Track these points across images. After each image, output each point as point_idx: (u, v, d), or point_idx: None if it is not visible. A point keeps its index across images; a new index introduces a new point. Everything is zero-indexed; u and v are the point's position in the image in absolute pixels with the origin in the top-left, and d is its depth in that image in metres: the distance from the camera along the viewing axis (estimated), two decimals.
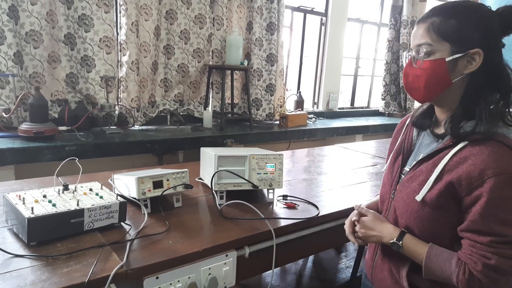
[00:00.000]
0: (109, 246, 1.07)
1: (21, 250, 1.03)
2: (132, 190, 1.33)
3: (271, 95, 3.50)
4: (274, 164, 1.50)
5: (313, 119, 3.89)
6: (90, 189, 1.28)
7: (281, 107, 3.62)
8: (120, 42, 2.69)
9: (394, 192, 1.09)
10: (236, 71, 3.34)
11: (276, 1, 3.34)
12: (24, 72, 2.39)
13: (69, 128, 2.49)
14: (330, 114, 4.28)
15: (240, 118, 3.46)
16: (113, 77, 2.68)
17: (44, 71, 2.46)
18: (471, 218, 0.88)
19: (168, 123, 3.07)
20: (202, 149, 1.70)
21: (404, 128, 1.17)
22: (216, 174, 1.44)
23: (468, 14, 0.92)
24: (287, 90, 3.79)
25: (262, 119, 3.53)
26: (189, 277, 1.09)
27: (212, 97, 3.29)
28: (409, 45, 1.14)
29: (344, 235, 1.17)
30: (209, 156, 1.55)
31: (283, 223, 1.34)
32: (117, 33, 2.69)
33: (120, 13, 2.66)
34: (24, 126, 2.22)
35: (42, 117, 2.26)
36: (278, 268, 2.57)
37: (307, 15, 3.97)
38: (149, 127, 2.93)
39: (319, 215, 1.42)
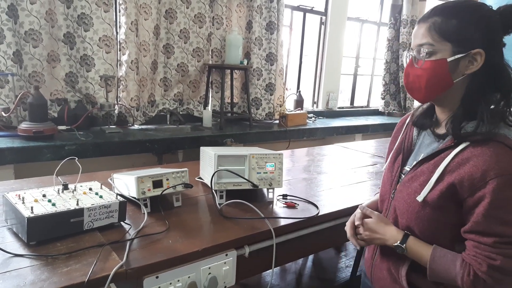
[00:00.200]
0: (109, 246, 1.07)
1: (20, 250, 1.03)
2: (132, 190, 1.32)
3: (271, 95, 3.50)
4: (274, 164, 1.50)
5: (313, 118, 3.89)
6: (90, 189, 1.28)
7: (280, 107, 3.62)
8: (119, 41, 2.69)
9: (394, 192, 1.09)
10: (235, 71, 3.34)
11: (275, 0, 3.33)
12: (23, 71, 2.38)
13: (69, 127, 2.49)
14: (330, 114, 4.28)
15: (239, 118, 3.46)
16: (113, 77, 2.67)
17: (44, 70, 2.46)
18: (475, 220, 0.88)
19: (168, 122, 3.07)
20: (201, 148, 1.70)
21: (404, 127, 1.16)
22: (216, 173, 1.44)
23: (470, 14, 0.91)
24: (286, 89, 3.79)
25: (261, 119, 3.53)
26: (189, 277, 1.09)
27: (211, 96, 3.29)
28: (409, 44, 1.13)
29: (344, 235, 1.17)
30: (208, 155, 1.55)
31: (283, 222, 1.34)
32: (117, 32, 2.69)
33: (119, 12, 2.66)
34: (23, 125, 2.21)
35: (41, 117, 2.26)
36: (278, 267, 2.57)
37: (307, 14, 3.97)
38: (149, 126, 2.93)
39: (319, 214, 1.42)
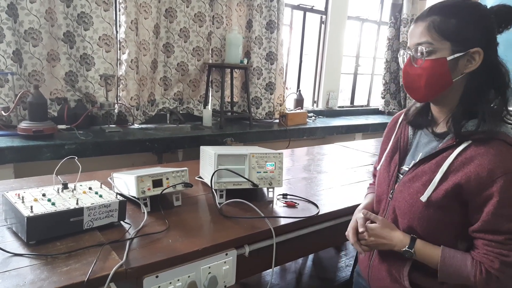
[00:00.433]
0: (109, 245, 1.07)
1: (20, 249, 1.02)
2: (132, 189, 1.32)
3: (271, 94, 3.50)
4: (274, 163, 1.50)
5: (313, 117, 3.89)
6: (90, 188, 1.28)
7: (280, 106, 3.62)
8: (119, 40, 2.68)
9: (392, 192, 1.08)
10: (235, 70, 3.34)
11: None
12: (23, 70, 2.38)
13: (69, 126, 2.48)
14: (330, 113, 4.28)
15: (239, 117, 3.45)
16: (113, 76, 2.67)
17: (43, 70, 2.46)
18: (484, 219, 0.89)
19: (168, 121, 3.06)
20: (201, 147, 1.69)
21: (398, 126, 1.15)
22: (216, 172, 1.44)
23: (468, 13, 0.92)
24: (286, 88, 3.79)
25: (261, 118, 3.53)
26: (189, 276, 1.09)
27: (211, 95, 3.29)
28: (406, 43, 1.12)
29: (344, 234, 1.17)
30: (208, 154, 1.54)
31: (283, 222, 1.34)
32: (117, 31, 2.68)
33: (119, 11, 2.65)
34: (23, 124, 2.21)
35: (41, 116, 2.26)
36: (278, 267, 2.57)
37: (307, 13, 3.97)
38: (149, 125, 2.93)
39: (319, 213, 1.42)
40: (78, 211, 1.11)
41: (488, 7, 0.94)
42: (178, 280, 1.07)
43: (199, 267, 1.11)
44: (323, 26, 4.13)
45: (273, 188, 1.53)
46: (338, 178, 1.92)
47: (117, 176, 1.45)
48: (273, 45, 3.42)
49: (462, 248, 0.97)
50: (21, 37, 2.34)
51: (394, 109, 4.74)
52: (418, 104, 1.10)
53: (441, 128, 1.01)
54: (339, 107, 4.50)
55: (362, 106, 4.88)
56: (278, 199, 1.55)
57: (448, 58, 0.92)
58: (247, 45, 3.40)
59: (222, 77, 3.14)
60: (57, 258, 0.99)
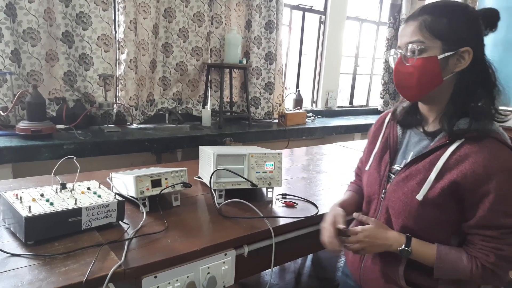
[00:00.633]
0: (107, 245, 1.07)
1: (18, 250, 1.02)
2: (131, 189, 1.32)
3: (270, 94, 3.50)
4: (273, 163, 1.50)
5: (312, 117, 3.89)
6: (88, 188, 1.28)
7: (280, 106, 3.61)
8: (118, 40, 2.68)
9: (384, 192, 1.07)
10: (234, 70, 3.33)
11: None
12: (21, 70, 2.37)
13: (67, 126, 2.48)
14: (329, 113, 4.28)
15: (238, 117, 3.45)
16: (111, 75, 2.67)
17: (42, 69, 2.45)
18: (481, 215, 0.91)
19: (167, 121, 3.06)
20: (200, 147, 1.69)
21: (385, 126, 1.16)
22: (214, 172, 1.44)
23: (459, 14, 0.94)
24: (286, 88, 3.78)
25: (261, 118, 3.53)
26: (187, 276, 1.09)
27: (210, 95, 3.29)
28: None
29: None
30: (207, 154, 1.54)
31: (282, 222, 1.34)
32: (115, 31, 2.68)
33: (118, 11, 2.65)
34: (21, 124, 2.21)
35: (40, 116, 2.25)
36: (277, 267, 2.57)
37: (306, 13, 3.97)
38: (148, 125, 2.92)
39: (318, 213, 1.42)
40: (77, 211, 1.10)
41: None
42: (177, 280, 1.06)
43: (198, 267, 1.11)
44: (322, 26, 4.13)
45: (272, 188, 1.52)
46: (337, 178, 1.91)
47: (116, 176, 1.45)
48: (272, 45, 3.42)
49: (455, 243, 0.98)
50: (20, 37, 2.33)
51: None
52: (405, 104, 1.11)
53: (432, 127, 1.02)
54: (338, 107, 4.50)
55: (361, 106, 4.88)
56: (277, 199, 1.55)
57: (439, 57, 0.93)
58: (246, 45, 3.40)
59: (221, 77, 3.13)
60: (55, 258, 0.99)
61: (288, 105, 3.88)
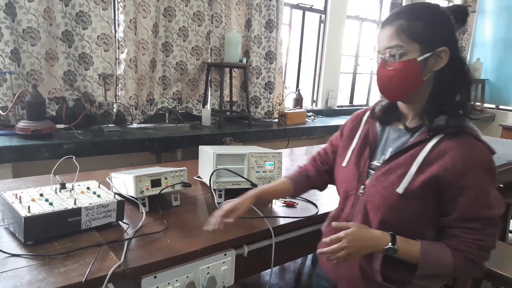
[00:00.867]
0: (107, 245, 1.07)
1: (17, 250, 1.02)
2: (130, 189, 1.32)
3: (270, 93, 3.49)
4: (273, 163, 1.50)
5: (312, 117, 3.88)
6: (88, 188, 1.27)
7: (280, 105, 3.61)
8: (118, 39, 2.68)
9: (363, 188, 1.07)
10: (234, 69, 3.33)
11: None
12: (21, 69, 2.37)
13: (67, 126, 2.47)
14: (329, 112, 4.27)
15: (238, 116, 3.45)
16: (111, 75, 2.66)
17: (42, 69, 2.45)
18: (462, 208, 0.94)
19: (167, 121, 3.06)
20: (200, 147, 1.69)
21: (363, 124, 1.17)
22: (214, 172, 1.43)
23: (432, 15, 0.98)
24: (286, 88, 3.78)
25: (261, 117, 3.52)
26: (187, 277, 1.09)
27: (210, 95, 3.28)
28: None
29: None
30: (207, 154, 1.54)
31: (282, 221, 1.34)
32: (115, 30, 2.67)
33: (118, 10, 2.64)
34: (21, 124, 2.20)
35: (39, 115, 2.25)
36: (277, 267, 2.56)
37: (306, 12, 3.96)
38: (148, 125, 2.92)
39: (318, 213, 1.42)
40: (76, 211, 1.10)
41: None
42: (177, 280, 1.06)
43: (197, 267, 1.11)
44: (322, 25, 4.12)
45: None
46: None
47: (116, 176, 1.45)
48: (272, 45, 3.41)
49: (430, 237, 1.01)
50: (19, 36, 2.33)
51: None
52: (383, 103, 1.13)
53: (413, 123, 1.05)
54: (338, 106, 4.50)
55: (361, 105, 4.88)
56: (277, 198, 1.54)
57: (418, 59, 0.97)
58: (246, 45, 3.39)
59: (221, 76, 3.13)
60: (54, 258, 0.99)
61: (288, 104, 3.88)
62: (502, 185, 2.89)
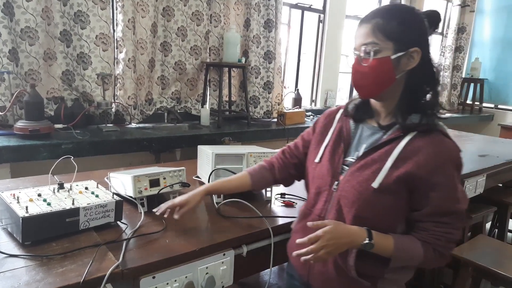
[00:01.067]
0: (105, 246, 1.06)
1: (15, 250, 1.02)
2: (129, 189, 1.31)
3: (269, 93, 3.49)
4: None
5: (311, 116, 3.88)
6: (86, 188, 1.27)
7: (279, 105, 3.61)
8: (116, 39, 2.67)
9: (337, 183, 1.07)
10: (233, 69, 3.33)
11: None
12: (19, 69, 2.36)
13: (65, 126, 2.47)
14: None
15: (237, 116, 3.45)
16: (110, 75, 2.66)
17: (40, 68, 2.44)
18: (434, 203, 0.98)
19: (165, 120, 3.05)
20: (199, 147, 1.69)
21: (336, 121, 1.18)
22: (213, 172, 1.43)
23: (407, 16, 1.02)
24: (285, 87, 3.78)
25: (259, 117, 3.52)
26: (186, 277, 1.08)
27: (209, 94, 3.28)
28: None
29: None
30: (206, 154, 1.54)
31: (281, 221, 1.34)
32: (114, 30, 2.67)
33: (116, 9, 2.64)
34: (19, 124, 2.20)
35: (38, 115, 2.24)
36: (276, 266, 2.56)
37: (305, 12, 3.96)
38: (146, 125, 2.92)
39: None
40: (74, 211, 1.10)
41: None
42: (175, 280, 1.06)
43: (196, 267, 1.10)
44: (321, 25, 4.12)
45: (271, 187, 1.52)
46: None
47: (114, 175, 1.45)
48: (271, 44, 3.41)
49: (401, 230, 1.04)
50: (17, 36, 2.32)
51: None
52: (356, 101, 1.16)
53: (386, 121, 1.08)
54: (337, 106, 4.49)
55: None
56: (276, 198, 1.54)
57: (392, 57, 1.00)
58: (245, 44, 3.39)
59: (220, 76, 3.13)
60: (52, 259, 0.98)
61: (287, 104, 3.88)
62: (501, 185, 2.89)
